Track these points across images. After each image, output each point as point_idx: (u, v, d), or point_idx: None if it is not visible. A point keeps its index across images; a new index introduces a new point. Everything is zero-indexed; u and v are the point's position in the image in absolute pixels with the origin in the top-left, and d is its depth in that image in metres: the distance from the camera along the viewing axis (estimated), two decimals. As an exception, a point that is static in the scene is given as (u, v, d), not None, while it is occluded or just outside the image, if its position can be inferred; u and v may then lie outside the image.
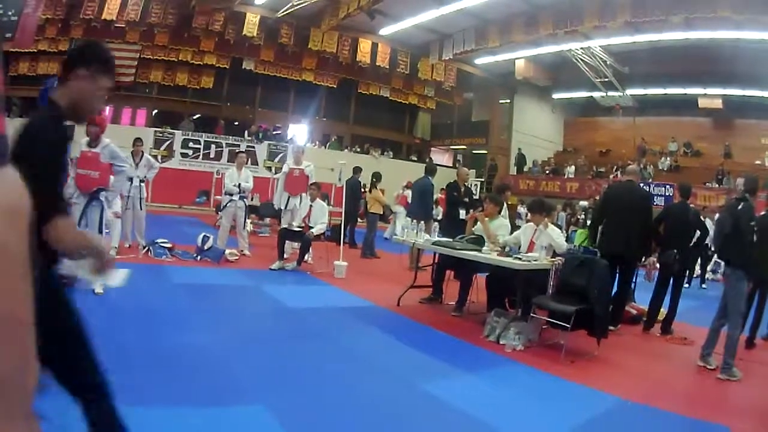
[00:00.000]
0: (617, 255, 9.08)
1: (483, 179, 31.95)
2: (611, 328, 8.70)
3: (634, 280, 10.79)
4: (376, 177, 17.44)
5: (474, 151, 37.30)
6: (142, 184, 12.43)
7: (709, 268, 17.15)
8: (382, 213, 15.50)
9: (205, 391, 5.01)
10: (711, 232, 11.26)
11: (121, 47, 28.13)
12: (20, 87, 28.68)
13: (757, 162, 27.29)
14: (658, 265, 10.91)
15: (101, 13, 27.21)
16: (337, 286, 10.96)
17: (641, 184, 20.44)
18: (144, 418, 4.07)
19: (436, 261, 10.18)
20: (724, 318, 7.54)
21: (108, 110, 29.25)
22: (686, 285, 12.81)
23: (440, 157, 37.29)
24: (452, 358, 6.92)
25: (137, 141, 12.73)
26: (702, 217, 12.34)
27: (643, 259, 11.03)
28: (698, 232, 10.75)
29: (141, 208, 12.33)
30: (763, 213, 8.63)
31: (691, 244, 10.59)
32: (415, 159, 31.93)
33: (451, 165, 32.98)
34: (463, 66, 32.59)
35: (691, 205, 10.83)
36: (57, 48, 28.61)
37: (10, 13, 24.31)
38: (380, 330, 8.07)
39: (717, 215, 9.20)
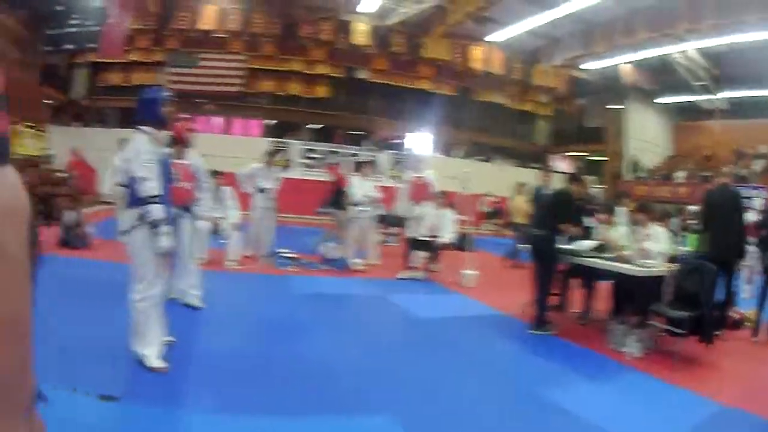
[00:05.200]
0: (721, 259, 8.83)
1: (602, 186, 31.41)
2: (716, 333, 8.46)
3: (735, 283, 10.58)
4: (519, 186, 16.96)
5: (591, 158, 36.81)
6: (273, 196, 12.69)
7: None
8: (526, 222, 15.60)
9: (331, 400, 5.24)
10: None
11: (224, 57, 28.95)
12: (114, 97, 29.87)
13: None
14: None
15: (196, 23, 28.02)
16: (465, 295, 11.03)
17: (737, 186, 20.33)
18: (273, 428, 4.45)
19: (562, 269, 9.97)
20: None
21: (218, 121, 30.27)
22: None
23: (559, 163, 36.69)
24: (576, 366, 7.06)
25: (270, 153, 13.11)
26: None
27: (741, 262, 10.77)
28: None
29: (271, 220, 12.64)
30: None
31: None
32: (535, 166, 31.57)
33: (571, 172, 32.99)
34: (573, 71, 32.41)
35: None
36: (151, 59, 29.46)
37: (89, 23, 25.26)
38: (506, 338, 8.22)
39: None
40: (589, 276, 9.45)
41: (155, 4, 28.09)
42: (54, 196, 17.06)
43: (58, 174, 23.63)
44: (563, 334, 8.41)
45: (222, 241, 11.96)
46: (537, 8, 24.03)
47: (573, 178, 9.76)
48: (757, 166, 28.59)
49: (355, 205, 13.36)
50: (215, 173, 11.70)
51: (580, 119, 36.57)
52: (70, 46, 26.44)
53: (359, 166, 14.94)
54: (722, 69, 29.22)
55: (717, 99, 30.83)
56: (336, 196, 14.05)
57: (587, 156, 36.25)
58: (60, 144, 26.22)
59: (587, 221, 10.32)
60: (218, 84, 29.35)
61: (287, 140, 28.83)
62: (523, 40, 28.49)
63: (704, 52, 27.80)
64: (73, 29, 25.74)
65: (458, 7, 25.24)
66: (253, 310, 8.46)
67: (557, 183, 15.21)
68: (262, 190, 12.46)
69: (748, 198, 23.48)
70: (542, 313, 8.55)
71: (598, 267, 8.58)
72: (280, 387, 5.38)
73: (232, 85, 29.46)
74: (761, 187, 24.61)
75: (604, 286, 9.49)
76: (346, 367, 6.17)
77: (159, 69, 29.30)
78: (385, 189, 15.36)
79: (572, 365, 7.09)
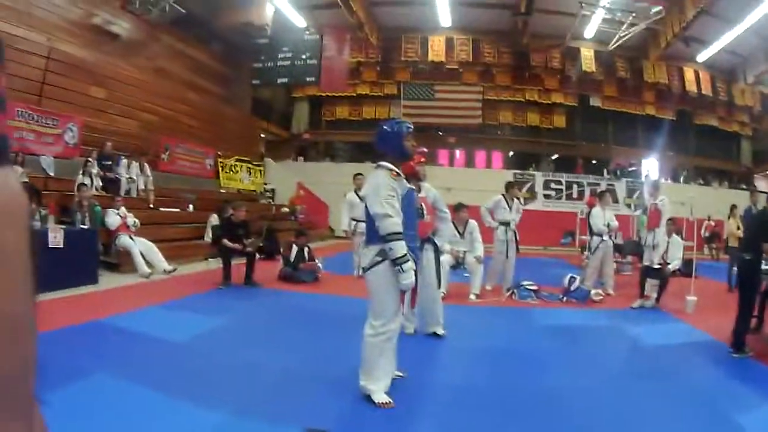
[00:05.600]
0: None
1: None
2: None
3: None
4: (732, 208, 16.55)
5: None
6: (515, 228, 12.95)
7: None
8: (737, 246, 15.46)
9: (557, 427, 5.32)
10: None
11: (460, 88, 29.68)
12: (340, 131, 31.56)
13: None
14: None
15: (426, 54, 28.73)
16: (685, 322, 10.94)
17: None
18: None
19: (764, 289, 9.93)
20: None
21: (459, 154, 31.02)
22: None
23: (763, 183, 35.88)
24: (763, 389, 6.93)
25: (511, 185, 13.38)
26: None
27: None
28: None
29: (512, 252, 12.84)
30: None
31: None
32: (744, 187, 31.05)
33: None
34: (761, 88, 31.71)
35: None
36: (379, 92, 30.74)
37: (304, 56, 26.53)
38: (712, 364, 8.10)
39: None
40: None
41: (377, 38, 29.12)
42: (276, 230, 18.04)
43: (282, 208, 25.00)
44: (759, 356, 8.30)
45: (466, 275, 12.33)
46: (727, 24, 24.60)
47: None
48: None
49: (597, 234, 13.58)
50: (460, 206, 12.10)
51: None
52: (283, 80, 28.01)
53: (599, 196, 15.07)
54: None
55: None
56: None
57: None
58: (283, 178, 27.57)
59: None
60: (456, 116, 30.16)
61: (530, 172, 29.46)
62: (721, 58, 28.95)
63: None
64: (285, 63, 27.33)
65: (667, 28, 25.68)
66: (489, 342, 8.61)
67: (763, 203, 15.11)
68: (503, 223, 12.76)
69: None
70: (742, 335, 8.53)
71: None
72: (508, 419, 5.43)
73: (471, 117, 30.25)
74: None
75: None
76: (574, 397, 6.21)
77: (389, 102, 30.51)
78: (622, 217, 15.57)
79: (763, 389, 6.94)
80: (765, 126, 34.77)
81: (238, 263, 12.45)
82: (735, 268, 12.13)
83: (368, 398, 5.50)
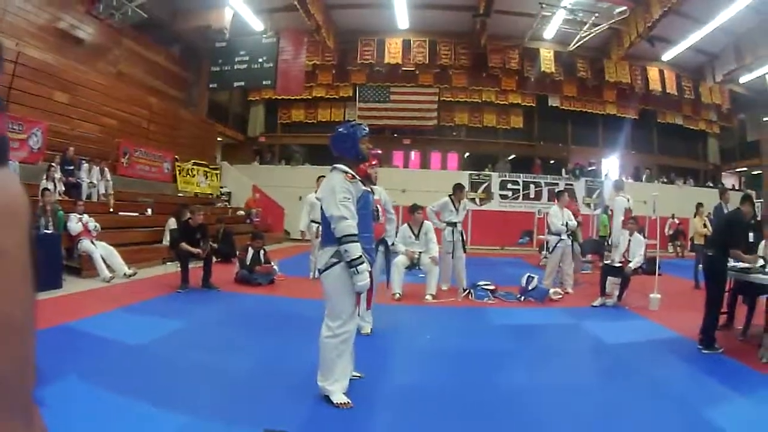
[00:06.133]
0: None
1: (762, 200, 31.02)
2: None
3: None
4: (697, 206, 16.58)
5: (754, 173, 36.56)
6: (461, 229, 13.02)
7: None
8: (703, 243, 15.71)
9: (519, 426, 5.39)
10: None
11: (416, 90, 29.78)
12: (296, 134, 31.63)
13: None
14: None
15: (382, 57, 28.74)
16: (650, 319, 11.01)
17: None
18: None
19: (730, 287, 10.14)
20: None
21: (414, 155, 31.18)
22: None
23: (730, 180, 36.89)
24: (738, 384, 7.03)
25: (459, 187, 13.29)
26: None
27: None
28: None
29: (461, 252, 12.86)
30: None
31: None
32: (710, 185, 31.51)
33: (738, 189, 32.28)
34: (731, 86, 32.40)
35: None
36: (335, 94, 30.80)
37: (261, 60, 26.39)
38: (678, 360, 8.23)
39: None
40: (753, 291, 9.58)
41: (334, 40, 29.03)
42: (232, 233, 18.03)
43: (237, 212, 24.87)
44: (729, 352, 8.43)
45: (421, 276, 12.43)
46: (695, 23, 24.88)
47: (745, 198, 9.97)
48: None
49: (556, 234, 13.74)
50: (415, 208, 12.30)
51: (742, 134, 36.75)
52: (239, 84, 28.00)
53: (557, 195, 15.27)
54: None
55: None
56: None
57: (751, 171, 36.37)
58: (238, 182, 27.48)
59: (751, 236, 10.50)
60: (411, 118, 30.37)
61: (486, 172, 29.56)
62: (689, 57, 29.23)
63: None
64: (242, 66, 27.29)
65: (630, 28, 25.84)
66: (446, 342, 8.65)
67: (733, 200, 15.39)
68: (450, 224, 12.83)
69: None
70: (710, 332, 8.66)
71: (759, 282, 8.74)
72: (468, 419, 5.45)
73: (427, 119, 30.45)
74: None
75: (762, 301, 9.40)
76: (534, 397, 6.26)
77: (345, 104, 30.63)
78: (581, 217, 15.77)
79: (734, 384, 7.06)
80: (734, 124, 35.57)
81: (196, 267, 12.52)
82: (701, 266, 12.50)
83: (327, 399, 5.57)
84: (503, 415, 5.66)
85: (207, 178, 26.08)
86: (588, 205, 27.78)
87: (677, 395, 6.62)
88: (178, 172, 23.87)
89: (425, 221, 12.47)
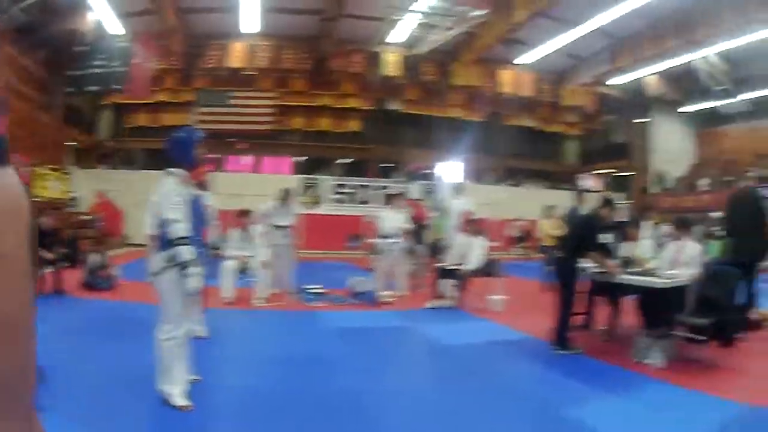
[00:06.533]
0: (743, 261, 9.31)
1: (628, 201, 31.52)
2: (738, 336, 8.71)
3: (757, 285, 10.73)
4: (547, 209, 17.27)
5: (617, 174, 37.53)
6: (291, 232, 13.18)
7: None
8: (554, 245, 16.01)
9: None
10: None
11: (254, 95, 29.76)
12: (141, 139, 30.93)
13: None
14: None
15: (224, 61, 28.66)
16: (492, 321, 11.26)
17: (761, 188, 20.49)
18: None
19: (588, 288, 10.13)
20: None
21: (248, 160, 31.01)
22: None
23: (588, 182, 36.92)
24: (603, 383, 7.22)
25: (287, 192, 13.44)
26: None
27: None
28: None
29: (291, 256, 13.11)
30: None
31: None
32: (566, 187, 32.22)
33: (603, 195, 33.23)
34: (599, 88, 33.18)
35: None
36: (180, 99, 30.38)
37: (115, 64, 25.73)
38: (533, 361, 8.39)
39: None
40: (614, 292, 9.68)
41: (181, 44, 28.70)
42: (78, 238, 17.75)
43: (83, 216, 24.33)
44: (590, 352, 8.61)
45: (250, 280, 12.31)
46: (564, 26, 25.01)
47: (604, 202, 10.37)
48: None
49: (385, 237, 13.73)
50: (244, 212, 12.29)
51: (607, 136, 37.81)
52: (94, 88, 27.14)
53: (389, 199, 15.39)
54: (741, 71, 29.93)
55: (739, 102, 31.61)
56: (416, 230, 14.61)
57: (614, 172, 36.99)
58: (85, 186, 26.73)
59: (607, 238, 10.85)
60: (248, 122, 30.15)
61: (317, 176, 29.61)
62: (552, 60, 29.58)
63: (723, 56, 28.51)
64: (97, 70, 26.63)
65: (487, 31, 25.97)
66: (278, 346, 8.69)
67: (591, 202, 15.91)
68: (277, 227, 12.97)
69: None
70: (564, 332, 8.83)
71: (624, 282, 8.79)
72: (307, 422, 5.51)
73: (263, 123, 30.28)
74: None
75: (628, 301, 9.63)
76: (373, 400, 6.33)
77: (188, 109, 29.97)
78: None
79: (597, 383, 7.24)
80: (598, 126, 36.59)
81: (47, 272, 12.23)
82: (549, 267, 12.72)
83: (167, 402, 5.60)
84: (341, 419, 5.71)
85: (59, 183, 25.33)
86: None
87: (536, 396, 6.88)
88: (34, 177, 23.16)
89: (255, 225, 12.56)
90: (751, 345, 9.14)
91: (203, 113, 29.56)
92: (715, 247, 15.71)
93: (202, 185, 7.07)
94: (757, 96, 31.44)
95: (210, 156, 6.59)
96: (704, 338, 7.79)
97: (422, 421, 5.81)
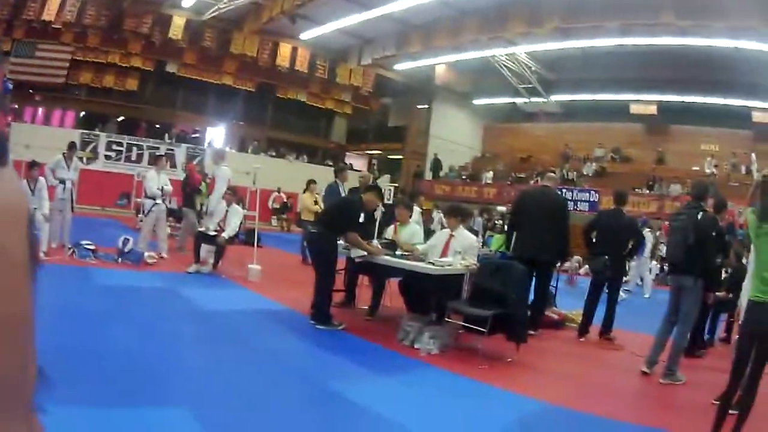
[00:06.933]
0: (530, 259, 9.49)
1: (398, 184, 32.45)
2: (531, 332, 9.10)
3: (554, 285, 11.35)
4: (308, 183, 17.08)
5: (390, 156, 38.38)
6: (73, 187, 13.15)
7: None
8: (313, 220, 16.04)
9: (126, 392, 5.30)
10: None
11: (54, 48, 28.72)
12: None
13: (695, 168, 28.25)
14: (581, 272, 11.66)
15: (41, 13, 27.57)
16: (251, 290, 11.47)
17: (562, 190, 21.22)
18: (64, 418, 4.20)
19: (347, 265, 10.54)
20: (672, 325, 7.98)
21: (40, 112, 29.86)
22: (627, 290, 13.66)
23: (355, 161, 38.23)
24: (367, 361, 7.38)
25: (72, 145, 13.52)
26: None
27: (560, 264, 11.70)
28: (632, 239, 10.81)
29: (71, 211, 13.04)
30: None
31: (627, 251, 10.79)
32: (330, 164, 32.09)
33: (365, 169, 33.49)
34: (381, 71, 33.90)
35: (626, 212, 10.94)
36: (3, 48, 28.84)
37: None
38: (294, 333, 8.49)
39: (673, 224, 8.57)
40: (378, 272, 9.86)
41: None
42: None
43: None
44: (352, 330, 8.76)
45: (34, 233, 12.13)
46: (355, 7, 25.05)
47: (370, 188, 10.31)
48: (590, 170, 30.70)
49: (151, 197, 13.83)
50: (33, 164, 12.02)
51: (383, 118, 38.68)
52: None
53: (155, 160, 15.45)
54: (560, 72, 31.49)
55: (545, 102, 32.94)
56: (189, 195, 14.75)
57: (387, 154, 38.02)
58: None
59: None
60: (47, 75, 29.08)
61: (96, 132, 29.16)
62: (335, 38, 29.79)
63: (536, 56, 29.66)
64: None
65: (274, 4, 25.95)
66: (48, 300, 8.35)
67: (353, 181, 16.05)
68: (62, 182, 12.83)
69: (574, 201, 25.08)
70: (324, 307, 8.92)
71: (390, 265, 8.95)
72: (72, 377, 5.09)
73: (57, 76, 29.25)
74: (592, 190, 26.32)
75: (395, 283, 9.94)
76: (142, 360, 6.31)
77: (8, 59, 28.63)
78: (180, 183, 15.78)
79: (361, 360, 7.37)
80: (373, 107, 37.03)
81: None
82: (306, 242, 12.73)
83: None
84: (113, 377, 5.66)
85: None
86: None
87: (302, 369, 6.95)
88: None
89: (40, 178, 12.18)
90: (551, 343, 9.79)
91: (15, 63, 28.41)
92: (498, 241, 16.22)
93: (3, 135, 6.67)
94: (565, 99, 33.08)
95: (12, 106, 6.25)
96: (483, 330, 7.76)
97: (193, 384, 5.87)
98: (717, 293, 9.22)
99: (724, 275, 10.27)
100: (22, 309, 0.94)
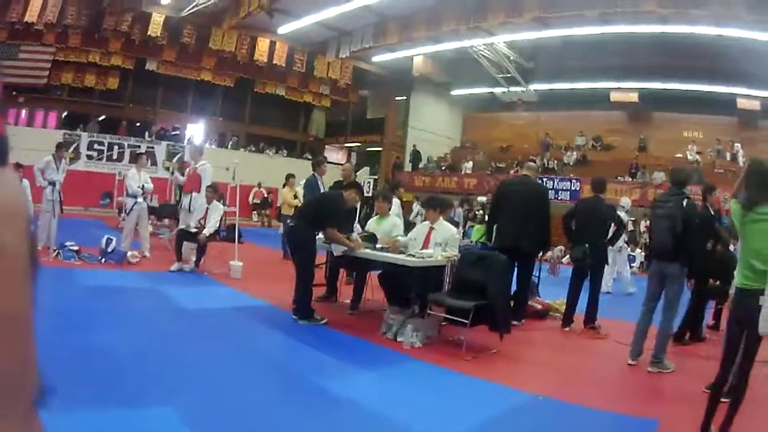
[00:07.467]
0: (511, 249, 9.46)
1: (377, 176, 32.58)
2: (514, 323, 9.13)
3: (536, 274, 11.29)
4: (287, 177, 17.28)
5: (368, 149, 38.43)
6: (59, 188, 13.03)
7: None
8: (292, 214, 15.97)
9: (111, 393, 5.27)
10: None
11: (36, 49, 28.64)
12: None
13: (678, 155, 28.01)
14: (563, 261, 11.61)
15: (24, 15, 27.43)
16: (233, 287, 11.45)
17: (543, 179, 21.09)
18: (49, 422, 4.48)
19: (328, 259, 10.66)
20: (651, 312, 8.04)
21: (23, 113, 29.82)
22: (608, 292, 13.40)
23: (334, 154, 38.19)
24: (350, 355, 7.40)
25: (61, 146, 13.51)
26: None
27: (542, 254, 11.50)
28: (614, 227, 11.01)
29: (60, 212, 13.01)
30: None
31: (607, 238, 10.82)
32: (309, 157, 32.01)
33: (344, 162, 33.65)
34: (359, 64, 33.81)
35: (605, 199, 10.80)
36: None
37: None
38: (277, 329, 8.49)
39: (658, 211, 8.40)
40: (359, 266, 9.89)
41: None
42: None
43: None
44: (334, 324, 8.77)
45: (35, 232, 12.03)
46: (332, 1, 24.89)
47: (351, 185, 10.32)
48: (570, 159, 30.63)
49: (132, 196, 13.82)
50: (17, 166, 11.82)
51: (361, 110, 38.36)
52: None
53: (136, 158, 15.48)
54: (539, 61, 31.23)
55: (524, 92, 32.63)
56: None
57: (366, 147, 38.07)
58: None
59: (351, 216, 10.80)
60: (29, 76, 29.05)
61: (77, 132, 29.15)
62: (313, 31, 29.50)
63: (515, 45, 29.48)
64: None
65: None
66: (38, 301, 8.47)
67: (332, 174, 15.96)
68: (52, 183, 12.78)
69: (555, 190, 25.05)
70: (306, 302, 8.93)
71: (370, 258, 9.04)
72: (58, 379, 5.07)
73: (40, 77, 29.18)
74: (573, 179, 26.35)
75: (376, 276, 9.89)
76: (126, 360, 6.29)
77: None
78: (161, 181, 15.74)
79: (344, 354, 7.40)
80: (351, 99, 36.84)
81: None
82: (286, 237, 12.75)
83: None
84: (95, 377, 5.61)
85: None
86: (167, 168, 27.82)
87: (286, 365, 6.98)
88: None
89: (24, 180, 11.75)
90: (535, 334, 9.82)
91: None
92: (479, 231, 16.16)
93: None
94: (545, 88, 32.76)
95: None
96: (466, 321, 7.75)
97: (177, 383, 5.82)
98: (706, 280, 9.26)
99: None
100: (20, 308, 0.97)
